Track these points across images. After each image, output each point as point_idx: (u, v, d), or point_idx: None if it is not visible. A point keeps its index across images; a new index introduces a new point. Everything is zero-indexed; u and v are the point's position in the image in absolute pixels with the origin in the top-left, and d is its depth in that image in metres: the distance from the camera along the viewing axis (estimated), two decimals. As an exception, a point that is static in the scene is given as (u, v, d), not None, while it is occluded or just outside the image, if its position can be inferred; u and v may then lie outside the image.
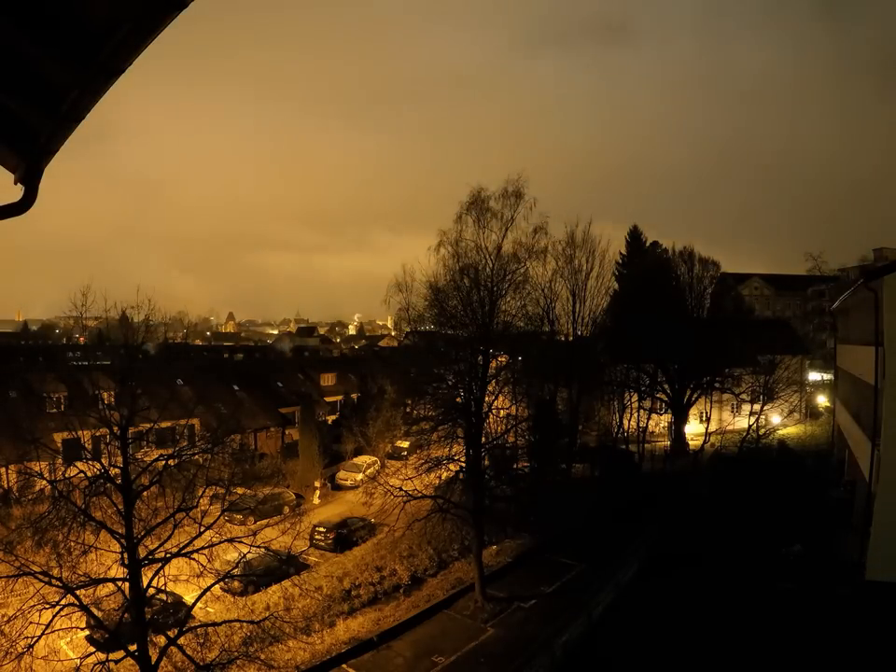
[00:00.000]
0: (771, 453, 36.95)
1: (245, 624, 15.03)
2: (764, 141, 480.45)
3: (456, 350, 23.13)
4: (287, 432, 38.73)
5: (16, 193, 3.10)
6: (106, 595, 13.27)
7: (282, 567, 17.83)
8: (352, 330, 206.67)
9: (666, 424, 44.22)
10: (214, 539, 13.35)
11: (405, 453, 37.35)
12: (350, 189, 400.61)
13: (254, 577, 18.96)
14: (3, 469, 25.15)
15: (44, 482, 14.36)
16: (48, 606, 11.44)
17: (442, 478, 23.14)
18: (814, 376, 57.86)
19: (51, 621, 11.32)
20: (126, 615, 12.89)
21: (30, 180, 3.06)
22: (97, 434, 13.97)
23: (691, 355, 39.74)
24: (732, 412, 44.23)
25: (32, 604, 11.36)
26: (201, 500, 14.09)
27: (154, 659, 12.50)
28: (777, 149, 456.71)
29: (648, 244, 57.24)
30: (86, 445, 14.61)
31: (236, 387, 39.76)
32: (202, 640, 13.44)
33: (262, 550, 14.75)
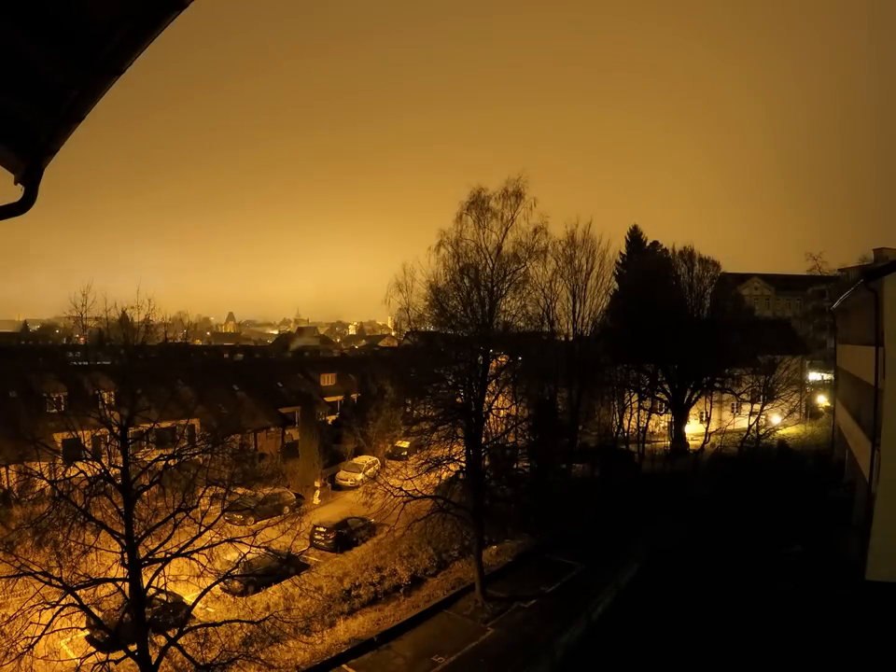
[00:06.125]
0: (771, 453, 36.96)
1: (245, 624, 15.05)
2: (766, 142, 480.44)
3: (456, 350, 23.11)
4: (287, 432, 38.71)
5: (16, 193, 3.10)
6: (106, 595, 13.25)
7: (282, 566, 17.80)
8: (352, 330, 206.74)
9: (666, 424, 44.22)
10: (214, 539, 13.36)
11: (405, 453, 37.36)
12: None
13: (254, 577, 18.95)
14: (3, 469, 25.13)
15: (44, 482, 14.35)
16: (48, 606, 11.44)
17: (442, 478, 23.13)
18: (814, 376, 57.84)
19: (51, 621, 11.32)
20: (126, 615, 12.88)
21: (30, 180, 3.06)
22: (97, 434, 13.97)
23: (691, 355, 39.74)
24: (732, 412, 44.19)
25: (32, 604, 11.37)
26: (201, 500, 14.09)
27: (154, 659, 12.50)
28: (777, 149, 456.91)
29: (648, 244, 57.28)
30: (86, 445, 14.62)
31: (236, 387, 39.73)
32: (202, 640, 13.45)
33: (262, 550, 14.75)
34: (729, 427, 40.66)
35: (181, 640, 13.04)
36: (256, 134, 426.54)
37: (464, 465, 21.82)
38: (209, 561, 13.04)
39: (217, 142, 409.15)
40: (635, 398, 39.97)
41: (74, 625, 12.91)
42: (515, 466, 26.70)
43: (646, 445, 38.99)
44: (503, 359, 24.91)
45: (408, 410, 35.22)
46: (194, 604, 14.08)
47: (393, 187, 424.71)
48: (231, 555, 15.22)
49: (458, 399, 22.65)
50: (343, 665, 16.81)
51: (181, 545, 13.06)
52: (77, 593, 11.80)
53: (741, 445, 38.08)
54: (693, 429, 43.75)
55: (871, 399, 19.98)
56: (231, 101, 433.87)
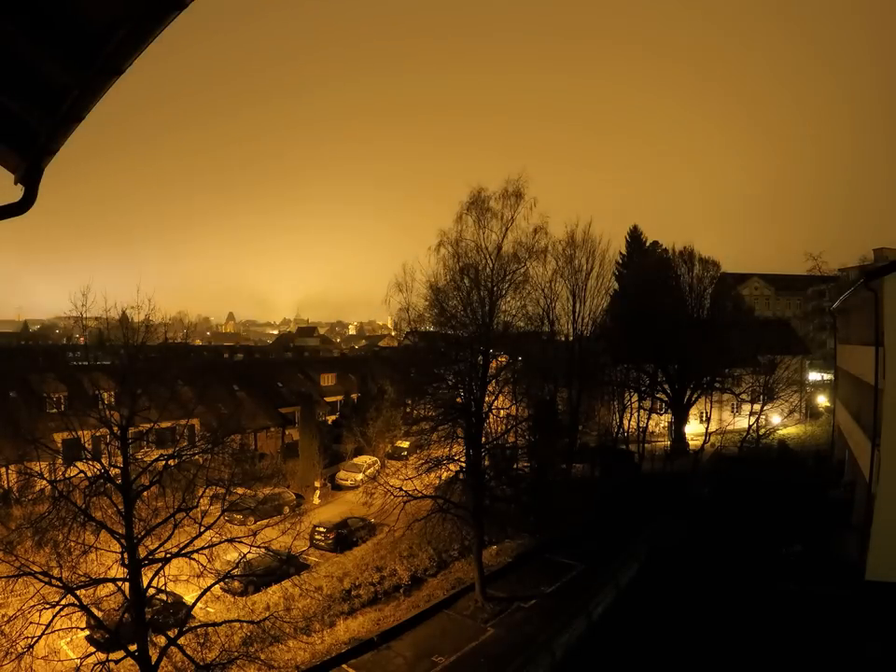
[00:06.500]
0: (771, 453, 36.95)
1: (244, 624, 15.05)
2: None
3: (456, 350, 23.10)
4: (287, 432, 38.71)
5: (16, 193, 3.10)
6: (106, 595, 13.26)
7: (282, 566, 17.82)
8: (352, 330, 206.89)
9: (666, 424, 44.21)
10: (214, 539, 13.36)
11: (405, 453, 37.37)
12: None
13: (254, 577, 18.95)
14: (3, 469, 25.13)
15: (44, 482, 14.35)
16: (48, 606, 11.44)
17: (442, 478, 23.13)
18: (814, 376, 57.82)
19: (51, 621, 11.33)
20: (126, 615, 12.89)
21: (30, 180, 3.06)
22: (97, 434, 13.96)
23: (691, 355, 39.75)
24: (732, 412, 44.20)
25: (32, 604, 11.37)
26: (201, 500, 14.09)
27: (154, 659, 12.51)
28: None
29: (648, 244, 57.29)
30: (86, 445, 14.61)
31: (236, 387, 39.71)
32: (202, 640, 13.46)
33: (262, 550, 14.75)
34: (729, 427, 40.67)
35: (181, 640, 13.05)
36: (251, 129, 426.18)
37: (464, 465, 21.82)
38: (209, 561, 13.04)
39: (214, 137, 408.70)
40: (635, 398, 39.98)
41: (74, 625, 12.92)
42: (515, 466, 26.69)
43: (646, 445, 38.99)
44: (503, 359, 24.92)
45: (408, 410, 35.23)
46: (194, 604, 14.08)
47: (393, 178, 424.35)
48: (231, 555, 15.23)
49: (458, 399, 22.65)
50: (343, 665, 16.81)
51: (181, 545, 13.06)
52: (77, 593, 11.80)
53: (741, 445, 38.09)
54: (693, 429, 43.74)
55: (871, 399, 19.96)
56: (227, 93, 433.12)
